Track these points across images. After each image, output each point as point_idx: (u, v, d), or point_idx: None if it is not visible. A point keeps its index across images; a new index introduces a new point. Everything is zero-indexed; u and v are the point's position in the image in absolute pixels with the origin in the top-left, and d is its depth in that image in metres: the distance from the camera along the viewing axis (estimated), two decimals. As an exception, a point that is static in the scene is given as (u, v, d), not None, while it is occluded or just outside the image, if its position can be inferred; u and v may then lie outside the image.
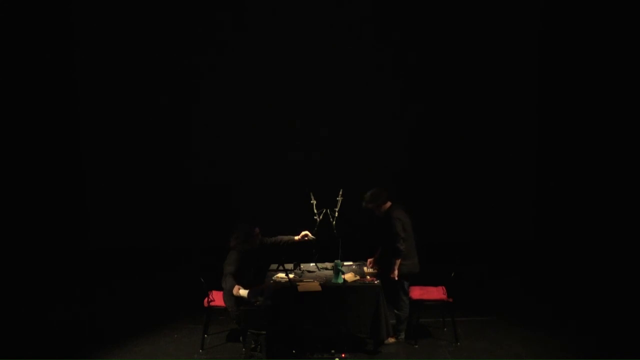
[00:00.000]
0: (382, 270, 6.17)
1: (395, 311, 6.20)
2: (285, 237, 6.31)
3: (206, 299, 6.21)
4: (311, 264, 6.47)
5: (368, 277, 6.11)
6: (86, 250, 9.61)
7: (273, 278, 6.09)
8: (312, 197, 6.35)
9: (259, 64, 9.56)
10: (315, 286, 5.88)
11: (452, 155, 9.80)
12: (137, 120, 9.66)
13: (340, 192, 6.28)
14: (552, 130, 9.67)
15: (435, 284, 6.47)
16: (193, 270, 6.56)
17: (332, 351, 5.92)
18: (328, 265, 6.39)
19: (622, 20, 8.77)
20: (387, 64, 9.66)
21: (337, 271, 5.97)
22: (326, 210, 6.29)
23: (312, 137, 9.71)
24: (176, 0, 9.49)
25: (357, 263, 6.51)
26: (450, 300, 6.22)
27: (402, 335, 6.28)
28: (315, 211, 6.30)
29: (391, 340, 6.18)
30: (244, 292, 5.69)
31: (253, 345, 5.91)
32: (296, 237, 6.28)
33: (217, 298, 6.22)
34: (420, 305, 6.24)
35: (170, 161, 9.73)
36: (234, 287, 5.72)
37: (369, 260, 6.36)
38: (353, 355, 5.98)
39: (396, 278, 6.06)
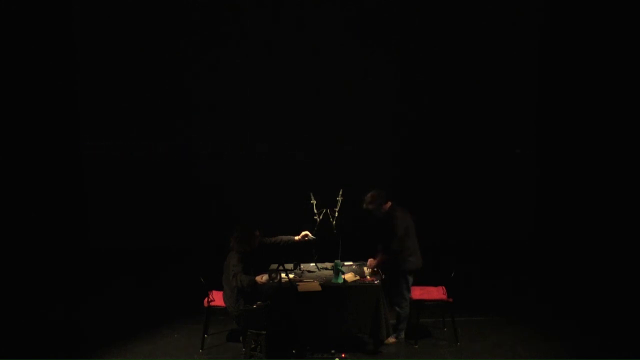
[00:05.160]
0: (385, 269, 6.18)
1: (397, 308, 6.19)
2: (285, 237, 6.31)
3: (206, 299, 6.22)
4: (311, 264, 6.47)
5: (368, 277, 6.11)
6: (86, 250, 9.61)
7: (273, 278, 6.09)
8: (312, 197, 6.35)
9: (259, 63, 9.56)
10: (315, 286, 5.88)
11: (452, 155, 9.81)
12: (136, 120, 9.67)
13: (340, 192, 6.28)
14: (551, 130, 9.67)
15: (435, 284, 6.47)
16: (193, 270, 6.55)
17: (332, 351, 5.91)
18: (328, 265, 6.39)
19: (623, 20, 8.78)
20: (388, 63, 9.66)
21: (337, 271, 5.98)
22: (326, 210, 6.29)
23: (313, 137, 9.71)
24: (175, 1, 9.50)
25: (357, 263, 6.50)
26: (450, 300, 6.22)
27: (402, 335, 6.28)
28: (315, 211, 6.30)
29: (391, 340, 6.18)
30: (266, 278, 5.75)
31: (253, 345, 5.90)
32: (296, 237, 6.28)
33: (217, 298, 6.23)
34: (420, 305, 6.24)
35: (170, 161, 9.74)
36: (253, 280, 5.76)
37: (369, 260, 6.35)
38: (353, 355, 5.98)
39: (375, 268, 6.10)
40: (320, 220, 6.28)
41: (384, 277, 6.12)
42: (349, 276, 6.08)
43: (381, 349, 6.07)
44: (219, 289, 6.16)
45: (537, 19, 9.59)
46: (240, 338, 6.15)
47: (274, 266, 6.10)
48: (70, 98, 9.54)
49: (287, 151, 9.76)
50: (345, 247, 6.18)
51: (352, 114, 9.64)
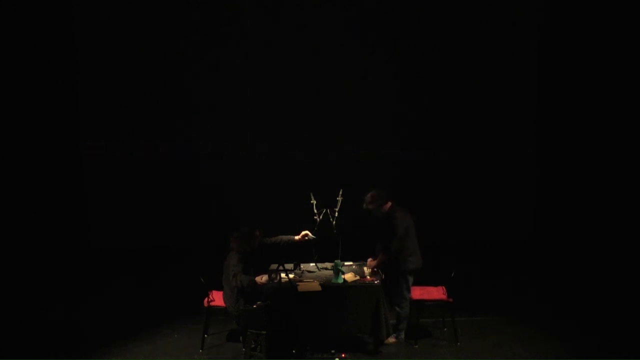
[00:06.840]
0: (385, 269, 6.18)
1: (397, 308, 6.20)
2: (286, 237, 6.31)
3: (206, 299, 6.22)
4: (311, 264, 6.47)
5: (368, 277, 6.11)
6: (86, 250, 9.61)
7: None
8: (312, 197, 6.35)
9: (259, 63, 9.56)
10: (315, 286, 5.88)
11: (452, 155, 9.81)
12: (136, 120, 9.66)
13: (340, 192, 6.28)
14: (551, 130, 9.67)
15: (435, 284, 6.47)
16: (193, 270, 6.55)
17: (332, 351, 5.91)
18: (328, 265, 6.39)
19: (623, 20, 8.77)
20: (388, 63, 9.65)
21: (337, 271, 5.98)
22: (326, 210, 6.29)
23: (313, 137, 9.71)
24: (174, 2, 9.49)
25: (357, 263, 6.50)
26: (450, 300, 6.23)
27: (402, 335, 6.28)
28: (315, 211, 6.30)
29: (391, 340, 6.18)
30: (265, 278, 5.76)
31: (253, 345, 5.90)
32: (296, 237, 6.28)
33: (217, 298, 6.23)
34: (420, 305, 6.24)
35: (170, 161, 9.73)
36: (253, 280, 5.77)
37: (369, 260, 6.35)
38: (353, 355, 5.98)
39: (375, 268, 6.11)
40: (320, 220, 6.28)
41: (384, 277, 6.13)
42: (349, 276, 6.08)
43: (381, 349, 6.07)
44: (219, 289, 6.16)
45: (537, 19, 9.59)
46: (240, 338, 6.15)
47: (274, 266, 6.10)
48: (70, 98, 9.53)
49: (287, 151, 9.76)
50: (345, 247, 6.18)
51: (352, 114, 9.64)
